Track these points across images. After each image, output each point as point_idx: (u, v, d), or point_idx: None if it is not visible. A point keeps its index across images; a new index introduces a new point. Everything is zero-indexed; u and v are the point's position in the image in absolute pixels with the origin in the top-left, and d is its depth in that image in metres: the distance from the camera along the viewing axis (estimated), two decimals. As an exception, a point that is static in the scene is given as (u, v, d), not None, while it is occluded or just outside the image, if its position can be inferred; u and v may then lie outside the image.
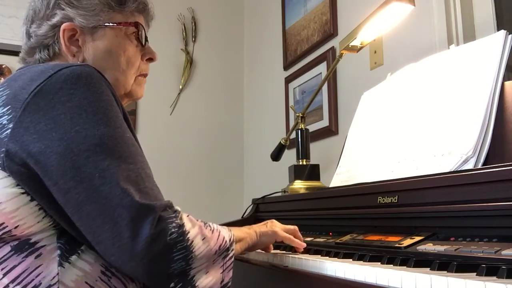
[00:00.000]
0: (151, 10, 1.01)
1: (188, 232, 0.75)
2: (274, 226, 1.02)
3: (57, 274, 0.72)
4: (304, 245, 1.04)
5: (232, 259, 0.82)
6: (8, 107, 0.74)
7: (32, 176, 0.72)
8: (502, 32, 1.00)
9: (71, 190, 0.71)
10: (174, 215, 0.75)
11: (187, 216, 0.79)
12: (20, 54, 0.96)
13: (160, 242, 0.71)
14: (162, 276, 0.73)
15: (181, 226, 0.75)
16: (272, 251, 1.08)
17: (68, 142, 0.71)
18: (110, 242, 0.70)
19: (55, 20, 0.90)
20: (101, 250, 0.73)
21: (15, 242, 0.73)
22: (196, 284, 0.76)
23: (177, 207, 0.79)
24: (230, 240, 0.83)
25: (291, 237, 1.02)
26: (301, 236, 1.06)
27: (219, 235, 0.81)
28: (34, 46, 0.92)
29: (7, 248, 0.73)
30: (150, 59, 1.01)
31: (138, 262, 0.70)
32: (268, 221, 1.05)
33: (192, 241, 0.75)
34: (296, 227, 1.06)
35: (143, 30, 0.97)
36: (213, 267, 0.78)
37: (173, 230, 0.73)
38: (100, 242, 0.71)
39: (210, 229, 0.81)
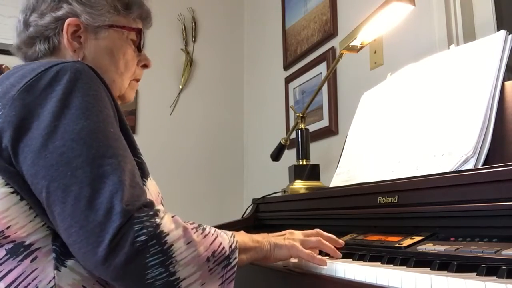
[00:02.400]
0: (152, 19, 1.03)
1: (167, 234, 0.68)
2: (293, 239, 0.89)
3: (54, 278, 0.71)
4: (336, 251, 0.90)
5: (234, 269, 0.75)
6: None
7: (19, 174, 0.71)
8: (502, 32, 1.00)
9: (43, 190, 0.69)
10: (148, 214, 0.69)
11: (172, 217, 0.72)
12: (15, 43, 0.95)
13: (124, 247, 0.65)
14: (144, 286, 0.67)
15: (156, 226, 0.68)
16: None
17: (45, 138, 0.69)
18: (76, 247, 0.67)
19: (60, 13, 0.89)
20: (73, 253, 0.69)
21: (10, 245, 0.72)
22: None
23: (160, 207, 0.72)
24: (230, 247, 0.76)
25: (312, 254, 0.86)
26: (329, 235, 0.93)
27: (214, 240, 0.74)
28: (33, 36, 0.91)
29: (2, 252, 0.72)
30: (145, 66, 1.02)
31: (104, 269, 0.66)
32: (287, 231, 0.93)
33: (172, 245, 0.68)
34: (318, 230, 0.94)
35: (143, 37, 0.99)
36: (210, 278, 0.72)
37: (144, 231, 0.66)
38: (69, 245, 0.68)
39: (202, 233, 0.73)
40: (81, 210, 0.66)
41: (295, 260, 0.92)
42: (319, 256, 0.86)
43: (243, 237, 0.83)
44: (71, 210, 0.67)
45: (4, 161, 0.71)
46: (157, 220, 0.69)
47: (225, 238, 0.77)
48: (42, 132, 0.70)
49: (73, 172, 0.68)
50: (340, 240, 0.94)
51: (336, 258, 0.89)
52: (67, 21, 0.89)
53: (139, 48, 0.99)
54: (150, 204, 0.72)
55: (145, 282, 0.67)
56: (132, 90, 1.01)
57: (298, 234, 0.92)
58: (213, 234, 0.75)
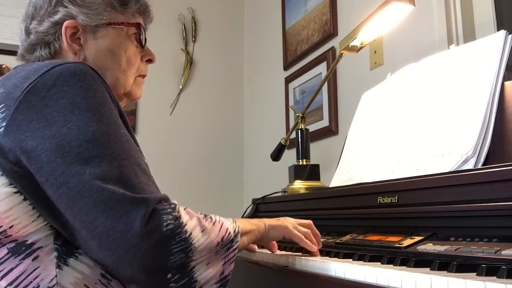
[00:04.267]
0: (151, 12, 1.02)
1: (186, 224, 0.74)
2: (286, 221, 0.98)
3: (55, 276, 0.71)
4: (315, 248, 0.97)
5: (236, 251, 0.80)
6: (1, 105, 0.74)
7: (24, 174, 0.72)
8: (502, 32, 1.00)
9: (62, 185, 0.69)
10: (169, 207, 0.73)
11: (184, 209, 0.77)
12: (19, 51, 0.95)
13: (155, 234, 0.69)
14: (160, 269, 0.71)
15: (178, 218, 0.73)
16: (277, 252, 1.04)
17: (60, 139, 0.70)
18: (104, 236, 0.69)
19: (57, 17, 0.90)
20: (96, 245, 0.70)
21: (12, 244, 0.72)
22: (195, 276, 0.74)
23: (174, 201, 0.77)
24: (234, 231, 0.81)
25: (302, 237, 0.95)
26: (317, 233, 1.00)
27: (221, 226, 0.80)
28: (34, 43, 0.92)
29: (4, 251, 0.72)
30: (149, 61, 1.02)
31: (134, 254, 0.69)
32: (282, 217, 1.00)
33: (191, 233, 0.73)
34: (311, 222, 1.01)
35: (143, 31, 0.98)
36: (215, 259, 0.77)
37: (169, 221, 0.71)
38: (94, 236, 0.70)
39: (211, 221, 0.79)
40: (104, 202, 0.69)
41: (295, 260, 0.93)
42: (307, 241, 0.96)
43: (242, 222, 0.89)
44: (94, 203, 0.69)
45: (9, 162, 0.72)
46: (176, 212, 0.74)
47: (229, 224, 0.82)
48: (56, 133, 0.71)
49: (91, 170, 0.70)
50: (319, 245, 0.99)
51: (314, 256, 0.96)
52: (65, 24, 0.89)
53: (141, 43, 0.98)
54: (167, 199, 0.76)
55: (167, 265, 0.71)
56: (138, 86, 1.00)
57: (291, 219, 1.00)
58: (219, 221, 0.81)
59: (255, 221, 0.93)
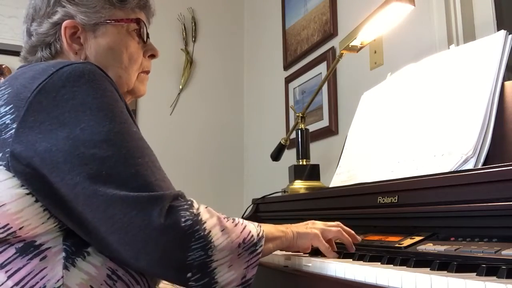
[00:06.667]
0: (152, 6, 1.00)
1: (205, 222, 0.74)
2: (316, 228, 0.93)
3: (62, 277, 0.71)
4: (353, 248, 0.93)
5: (259, 256, 0.79)
6: (10, 106, 0.74)
7: (36, 176, 0.71)
8: (502, 32, 1.00)
9: (78, 184, 0.70)
10: (186, 204, 0.74)
11: (206, 207, 0.77)
12: (21, 53, 0.95)
13: (174, 229, 0.70)
14: (179, 265, 0.72)
15: (197, 215, 0.73)
16: (277, 252, 1.00)
17: (74, 140, 0.71)
18: (123, 231, 0.69)
19: (56, 17, 0.89)
20: (116, 240, 0.71)
21: (20, 244, 0.72)
22: (216, 277, 0.74)
23: (191, 198, 0.77)
24: (258, 235, 0.80)
25: (329, 248, 0.92)
26: (348, 230, 0.95)
27: (244, 229, 0.79)
28: (35, 44, 0.91)
29: (12, 250, 0.72)
30: (152, 56, 1.00)
31: (153, 248, 0.69)
32: (310, 221, 0.97)
33: (210, 231, 0.73)
34: (339, 224, 0.96)
35: (144, 27, 0.97)
36: (237, 262, 0.76)
37: (187, 217, 0.72)
38: (113, 232, 0.70)
39: (233, 222, 0.78)
40: (121, 199, 0.69)
41: (295, 260, 0.92)
42: (334, 253, 0.92)
43: (269, 227, 0.87)
44: (112, 201, 0.69)
45: (21, 163, 0.71)
46: (195, 210, 0.74)
47: (253, 228, 0.81)
48: (69, 134, 0.71)
49: (107, 170, 0.71)
50: (358, 237, 0.97)
51: (351, 252, 0.93)
52: (64, 24, 0.89)
53: (143, 39, 0.96)
54: (183, 195, 0.77)
55: (186, 262, 0.72)
56: (142, 83, 0.99)
57: (320, 224, 0.96)
58: (242, 224, 0.80)
59: (283, 227, 0.90)
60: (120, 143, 0.73)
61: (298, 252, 0.96)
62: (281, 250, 0.90)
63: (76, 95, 0.73)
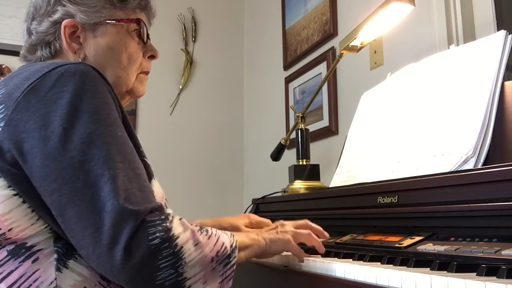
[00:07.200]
0: (153, 7, 1.00)
1: (177, 237, 0.70)
2: (286, 232, 0.92)
3: (55, 279, 0.70)
4: (322, 250, 0.94)
5: (234, 267, 0.77)
6: (1, 106, 0.74)
7: (22, 176, 0.71)
8: (502, 32, 1.00)
9: (54, 192, 0.69)
10: (160, 218, 0.70)
11: (180, 219, 0.74)
12: (21, 52, 0.95)
13: (140, 249, 0.66)
14: (149, 286, 0.69)
15: (168, 230, 0.69)
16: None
17: (55, 141, 0.69)
18: (91, 249, 0.67)
19: (56, 16, 0.89)
20: (84, 256, 0.70)
21: (12, 246, 0.72)
22: None
23: (169, 210, 0.74)
24: (231, 246, 0.77)
25: (301, 252, 0.91)
26: (317, 228, 0.99)
27: (217, 241, 0.76)
28: (35, 43, 0.91)
29: (3, 253, 0.71)
30: (152, 57, 1.00)
31: (119, 271, 0.67)
32: (278, 223, 0.96)
33: (182, 247, 0.70)
34: (307, 221, 0.98)
35: (144, 27, 0.96)
36: (211, 277, 0.73)
37: (157, 234, 0.68)
38: (81, 247, 0.69)
39: (206, 234, 0.75)
40: (95, 213, 0.67)
41: (295, 260, 0.93)
42: (305, 255, 0.92)
43: (241, 236, 0.84)
44: (84, 213, 0.67)
45: (7, 163, 0.71)
46: (168, 223, 0.70)
47: (226, 238, 0.78)
48: (51, 135, 0.70)
49: (85, 176, 0.68)
50: (325, 233, 1.00)
51: (320, 253, 0.95)
52: (63, 23, 0.88)
53: (143, 39, 0.96)
54: (160, 208, 0.73)
55: (155, 283, 0.68)
56: (141, 83, 0.98)
57: (289, 225, 0.95)
58: (215, 235, 0.77)
59: (253, 234, 0.88)
60: (100, 146, 0.70)
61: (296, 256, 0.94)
62: (253, 257, 0.88)
63: (64, 95, 0.72)
